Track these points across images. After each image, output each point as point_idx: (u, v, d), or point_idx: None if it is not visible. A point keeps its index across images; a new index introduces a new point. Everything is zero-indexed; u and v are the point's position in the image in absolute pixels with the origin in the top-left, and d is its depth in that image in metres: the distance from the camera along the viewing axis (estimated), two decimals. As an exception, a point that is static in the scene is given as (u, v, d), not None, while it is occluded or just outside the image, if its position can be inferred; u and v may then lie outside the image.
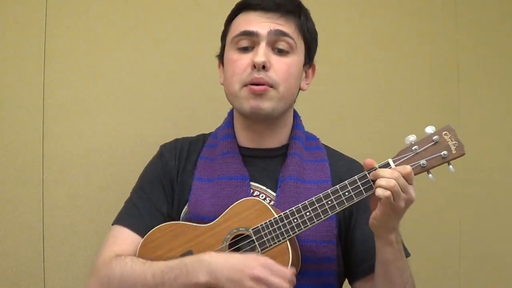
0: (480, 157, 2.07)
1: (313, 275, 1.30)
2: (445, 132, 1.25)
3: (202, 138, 1.48)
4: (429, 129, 1.25)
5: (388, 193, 1.18)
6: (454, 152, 1.24)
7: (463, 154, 1.24)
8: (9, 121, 1.75)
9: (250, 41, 1.36)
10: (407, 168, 1.20)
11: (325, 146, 1.48)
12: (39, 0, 1.76)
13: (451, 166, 1.25)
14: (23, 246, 1.73)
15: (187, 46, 1.84)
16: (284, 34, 1.35)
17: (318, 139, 1.50)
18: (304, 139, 1.44)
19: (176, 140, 1.49)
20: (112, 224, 1.40)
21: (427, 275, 2.01)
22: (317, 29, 1.47)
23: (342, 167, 1.41)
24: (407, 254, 1.39)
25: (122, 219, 1.38)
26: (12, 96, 1.75)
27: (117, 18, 1.83)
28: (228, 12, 1.46)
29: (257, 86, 1.33)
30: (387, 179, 1.18)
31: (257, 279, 1.16)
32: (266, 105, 1.34)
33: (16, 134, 1.74)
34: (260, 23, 1.35)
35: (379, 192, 1.19)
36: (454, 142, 1.24)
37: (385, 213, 1.21)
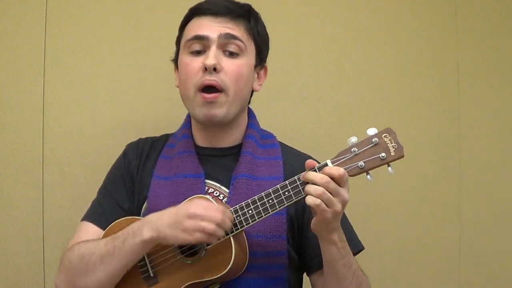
0: (480, 156, 2.07)
1: (262, 268, 1.35)
2: (385, 134, 1.24)
3: (164, 138, 1.55)
4: (371, 131, 1.25)
5: (318, 201, 1.19)
6: (393, 154, 1.23)
7: (402, 156, 1.23)
8: (9, 121, 1.75)
9: (201, 45, 1.41)
10: (340, 170, 1.21)
11: (281, 143, 1.52)
12: (39, 0, 1.77)
13: (390, 168, 1.24)
14: (23, 246, 1.73)
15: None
16: (233, 37, 1.40)
17: (275, 137, 1.53)
18: (258, 137, 1.48)
19: (139, 139, 1.56)
20: (80, 221, 1.47)
21: (427, 275, 2.01)
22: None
23: (296, 163, 1.42)
24: (361, 248, 1.45)
25: (87, 216, 1.47)
26: (12, 96, 1.75)
27: (117, 18, 1.83)
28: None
29: (208, 94, 1.38)
30: (315, 186, 1.20)
31: (193, 216, 1.23)
32: (218, 112, 1.39)
33: (16, 134, 1.74)
34: (211, 28, 1.40)
35: (309, 200, 1.20)
36: (393, 144, 1.23)
37: (321, 220, 1.23)
